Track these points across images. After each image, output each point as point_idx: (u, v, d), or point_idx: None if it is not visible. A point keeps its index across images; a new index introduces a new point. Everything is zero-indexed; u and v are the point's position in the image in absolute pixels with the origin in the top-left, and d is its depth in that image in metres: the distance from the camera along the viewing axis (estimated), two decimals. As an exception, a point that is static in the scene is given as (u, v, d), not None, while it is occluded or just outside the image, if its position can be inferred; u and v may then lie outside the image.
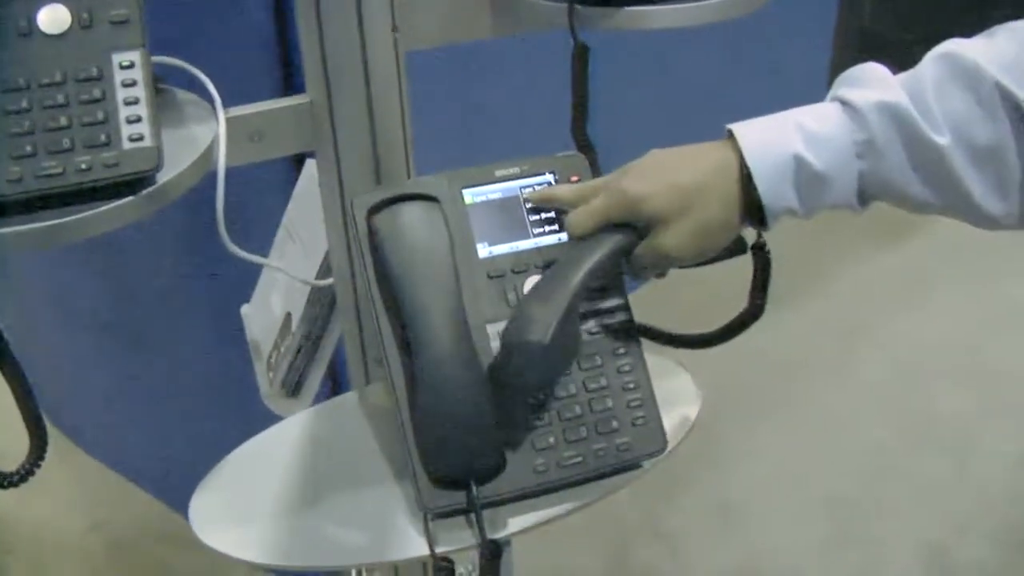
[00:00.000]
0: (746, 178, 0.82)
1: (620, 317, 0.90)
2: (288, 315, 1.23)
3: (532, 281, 0.89)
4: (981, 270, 2.57)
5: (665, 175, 0.84)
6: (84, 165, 0.82)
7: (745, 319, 0.92)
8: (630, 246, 0.85)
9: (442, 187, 0.90)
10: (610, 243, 0.85)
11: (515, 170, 0.92)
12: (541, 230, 0.91)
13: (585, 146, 0.93)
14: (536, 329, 0.80)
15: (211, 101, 0.95)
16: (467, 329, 0.85)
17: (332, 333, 1.19)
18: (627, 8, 0.92)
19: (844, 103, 0.82)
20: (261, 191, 1.27)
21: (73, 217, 0.82)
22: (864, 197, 0.84)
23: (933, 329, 2.45)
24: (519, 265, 0.89)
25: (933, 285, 2.60)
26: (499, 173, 0.92)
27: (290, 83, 1.50)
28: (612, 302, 0.91)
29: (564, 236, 0.91)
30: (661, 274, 0.90)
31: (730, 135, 0.84)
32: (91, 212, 0.82)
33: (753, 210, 0.84)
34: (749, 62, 2.41)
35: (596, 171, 0.93)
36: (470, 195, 0.90)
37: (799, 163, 0.82)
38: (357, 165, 0.98)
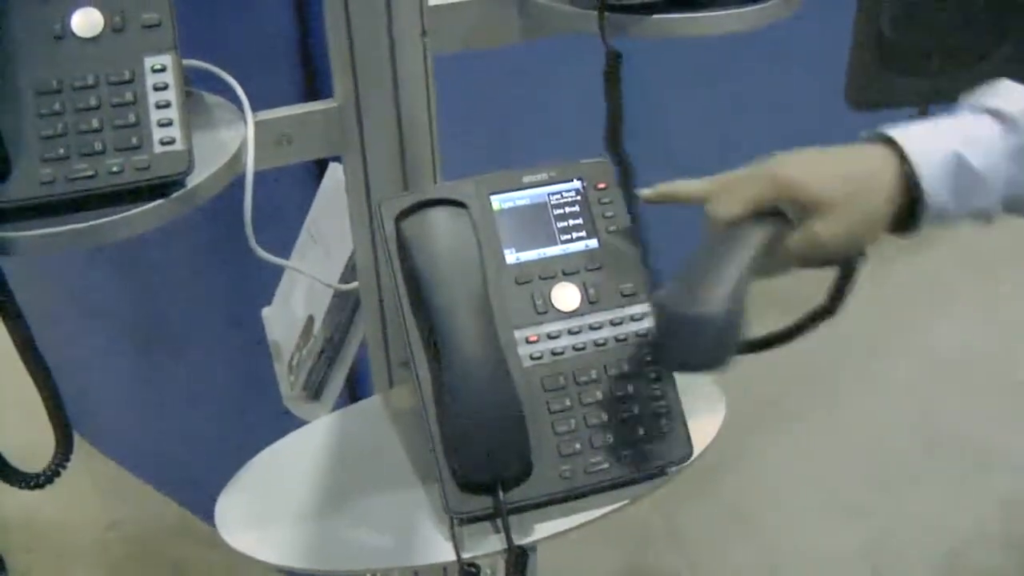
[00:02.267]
0: (907, 175, 0.83)
1: (646, 323, 0.91)
2: (310, 318, 1.23)
3: (560, 288, 0.89)
4: (1003, 280, 2.57)
5: (825, 165, 0.84)
6: (115, 168, 0.83)
7: (817, 316, 0.92)
8: (783, 234, 0.83)
9: (470, 192, 0.90)
10: (766, 229, 0.82)
11: (542, 176, 0.92)
12: (568, 237, 0.91)
13: (619, 158, 0.93)
14: (711, 302, 0.77)
15: (239, 105, 0.96)
16: (496, 334, 0.85)
17: (355, 336, 1.19)
18: (656, 16, 0.92)
19: (994, 112, 0.84)
20: (281, 194, 1.27)
21: (104, 219, 0.82)
22: (1006, 204, 0.86)
23: (954, 338, 2.45)
24: (547, 272, 0.89)
25: (954, 295, 2.60)
26: (526, 179, 0.92)
27: (312, 87, 1.50)
28: (638, 308, 0.91)
29: (591, 243, 0.91)
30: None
31: (881, 138, 0.84)
32: (122, 215, 0.83)
33: (904, 212, 0.84)
34: (765, 73, 2.41)
35: (629, 183, 0.92)
36: (498, 201, 0.91)
37: (959, 161, 0.83)
38: (384, 169, 0.98)
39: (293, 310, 1.28)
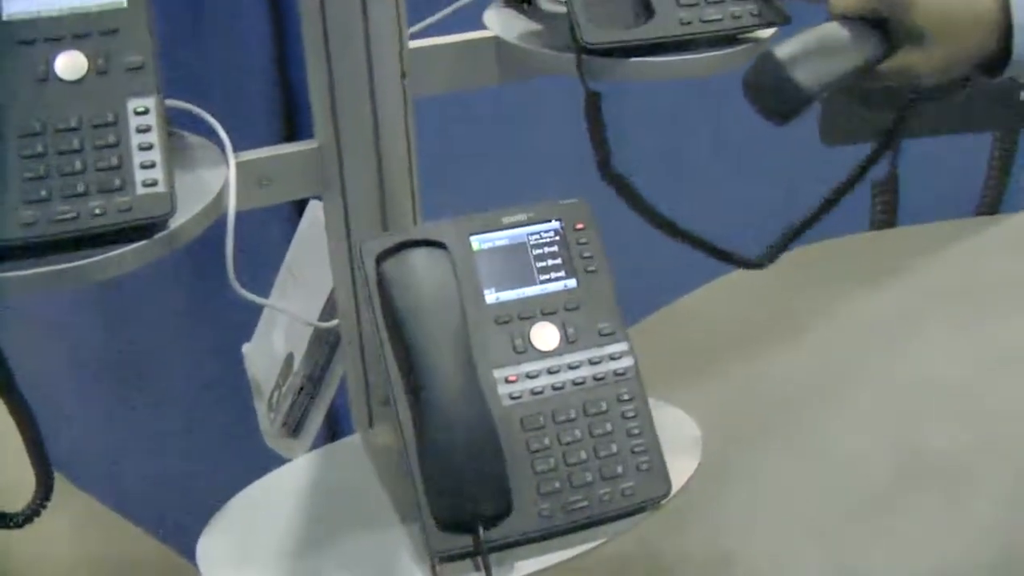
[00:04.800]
0: (1003, 33, 0.88)
1: (624, 362, 0.92)
2: (290, 355, 1.24)
3: (539, 327, 0.90)
4: (971, 312, 2.58)
5: None
6: (98, 210, 0.83)
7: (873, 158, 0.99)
8: (880, 58, 0.90)
9: (450, 233, 0.91)
10: (869, 48, 0.90)
11: (522, 217, 0.93)
12: (547, 277, 0.92)
13: (615, 181, 0.95)
14: (804, 78, 0.87)
15: (220, 145, 0.96)
16: (475, 373, 0.86)
17: (334, 374, 1.20)
18: (635, 59, 0.93)
19: None
20: (259, 230, 1.28)
21: (86, 261, 0.83)
22: None
23: (925, 368, 2.45)
24: (526, 311, 0.90)
25: (925, 325, 2.60)
26: (506, 220, 0.93)
27: (292, 128, 1.51)
28: (616, 347, 0.92)
29: (570, 283, 0.92)
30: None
31: None
32: (103, 256, 0.83)
33: (990, 58, 0.89)
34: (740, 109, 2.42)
35: (635, 202, 0.94)
36: (477, 241, 0.92)
37: None
38: (364, 210, 0.99)
39: (273, 347, 1.28)
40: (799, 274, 2.42)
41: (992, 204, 3.13)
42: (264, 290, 1.25)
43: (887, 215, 2.83)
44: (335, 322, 1.11)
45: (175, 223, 0.86)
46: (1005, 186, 3.05)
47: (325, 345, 1.19)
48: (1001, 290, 2.70)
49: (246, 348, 1.35)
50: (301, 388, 1.22)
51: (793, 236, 1.03)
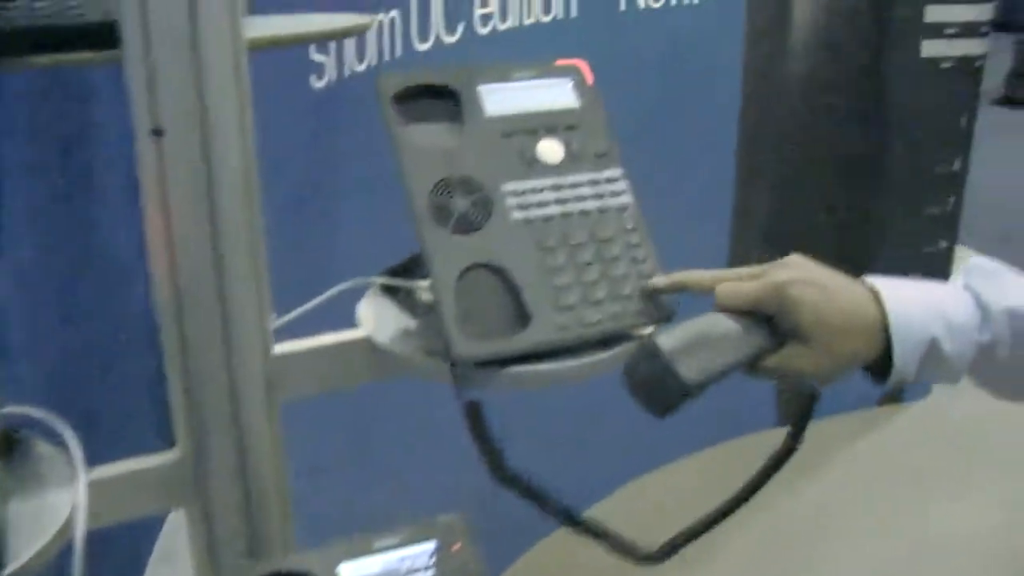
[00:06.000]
0: (885, 343, 0.89)
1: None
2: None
3: None
4: (910, 495, 2.71)
5: (827, 298, 0.89)
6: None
7: (781, 456, 0.94)
8: (765, 353, 0.90)
9: (318, 563, 0.84)
10: (756, 343, 0.90)
11: (394, 540, 0.87)
12: (422, 597, 0.86)
13: (511, 483, 0.90)
14: (689, 372, 0.86)
15: (72, 461, 0.89)
16: None
17: None
18: (511, 369, 0.89)
19: (982, 305, 0.92)
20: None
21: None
22: (969, 375, 0.94)
23: (868, 551, 2.58)
24: None
25: (868, 507, 2.75)
26: (377, 544, 0.87)
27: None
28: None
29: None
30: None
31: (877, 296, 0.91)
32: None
33: (875, 364, 0.91)
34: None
35: (534, 500, 0.91)
36: (347, 571, 0.85)
37: (934, 345, 0.90)
38: (229, 526, 0.92)
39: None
40: (719, 472, 2.44)
41: (895, 393, 3.18)
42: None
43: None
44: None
45: (13, 565, 0.79)
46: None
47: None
48: (917, 479, 2.79)
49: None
50: None
51: (692, 535, 0.98)
